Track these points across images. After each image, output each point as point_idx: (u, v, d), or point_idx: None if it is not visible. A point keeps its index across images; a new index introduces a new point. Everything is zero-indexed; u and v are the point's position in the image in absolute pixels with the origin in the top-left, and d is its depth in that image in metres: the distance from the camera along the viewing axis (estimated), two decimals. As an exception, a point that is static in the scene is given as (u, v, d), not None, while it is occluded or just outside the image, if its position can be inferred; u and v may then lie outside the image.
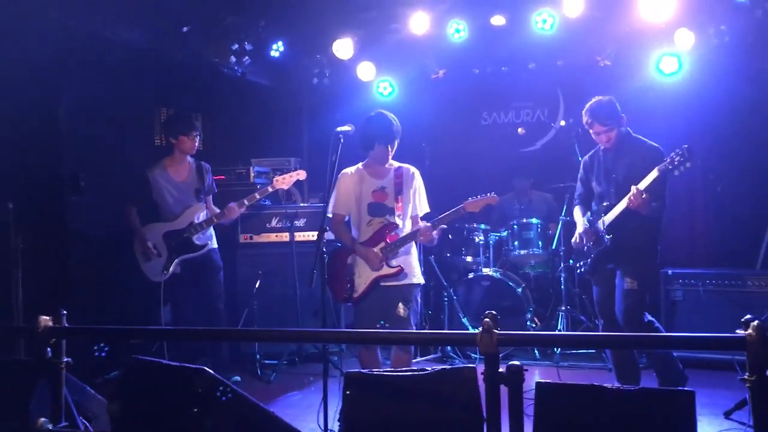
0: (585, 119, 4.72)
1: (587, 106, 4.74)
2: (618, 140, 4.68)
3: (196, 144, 5.65)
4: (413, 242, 4.58)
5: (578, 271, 5.00)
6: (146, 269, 5.49)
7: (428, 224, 4.50)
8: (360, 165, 4.65)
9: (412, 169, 4.67)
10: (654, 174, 4.34)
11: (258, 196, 5.62)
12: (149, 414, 3.01)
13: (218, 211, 5.64)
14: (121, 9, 5.53)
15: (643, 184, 4.38)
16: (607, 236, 4.66)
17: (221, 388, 2.93)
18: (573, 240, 5.06)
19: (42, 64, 5.29)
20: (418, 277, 4.60)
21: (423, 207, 4.67)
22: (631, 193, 4.40)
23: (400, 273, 4.46)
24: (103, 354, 2.88)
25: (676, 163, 4.24)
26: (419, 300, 4.64)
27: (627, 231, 4.59)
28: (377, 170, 4.61)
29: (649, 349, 4.43)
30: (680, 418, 2.43)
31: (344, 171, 4.60)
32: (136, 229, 5.51)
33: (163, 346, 5.28)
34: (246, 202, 5.59)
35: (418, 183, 4.64)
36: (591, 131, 4.75)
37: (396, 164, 4.65)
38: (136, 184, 5.56)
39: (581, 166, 5.04)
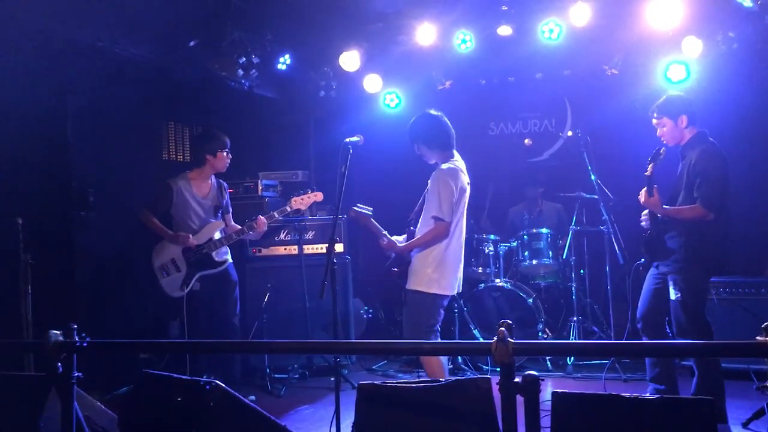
0: None
1: None
2: (688, 140, 4.59)
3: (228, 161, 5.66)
4: (421, 249, 4.48)
5: (640, 268, 4.87)
6: (165, 284, 5.44)
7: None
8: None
9: None
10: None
11: (277, 215, 5.64)
12: (160, 428, 2.98)
13: (239, 227, 5.63)
14: (129, 25, 5.55)
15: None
16: (645, 233, 4.61)
17: (233, 402, 2.90)
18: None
19: (50, 80, 5.32)
20: (412, 283, 4.46)
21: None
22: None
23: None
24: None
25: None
26: (420, 308, 4.41)
27: (663, 230, 4.52)
28: None
29: (669, 357, 4.34)
30: (700, 427, 2.39)
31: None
32: (163, 231, 5.42)
33: (186, 361, 5.24)
34: (268, 220, 5.61)
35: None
36: None
37: None
38: (156, 192, 5.53)
39: None
